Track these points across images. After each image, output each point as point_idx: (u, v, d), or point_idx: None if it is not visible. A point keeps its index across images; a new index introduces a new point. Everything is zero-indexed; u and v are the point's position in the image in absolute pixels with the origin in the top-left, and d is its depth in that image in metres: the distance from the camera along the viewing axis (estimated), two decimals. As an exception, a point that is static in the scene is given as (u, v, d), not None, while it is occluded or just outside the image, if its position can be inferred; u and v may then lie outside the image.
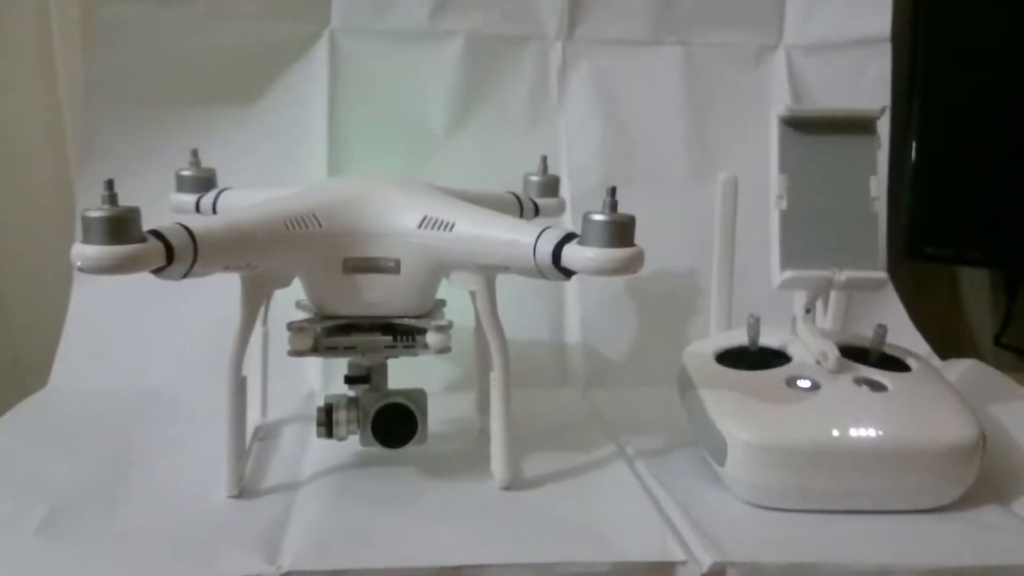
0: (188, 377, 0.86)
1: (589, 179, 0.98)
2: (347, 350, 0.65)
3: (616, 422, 0.81)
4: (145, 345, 0.90)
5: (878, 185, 0.70)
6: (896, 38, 1.01)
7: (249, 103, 0.96)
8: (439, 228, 0.61)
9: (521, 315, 0.90)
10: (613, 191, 0.57)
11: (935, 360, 0.93)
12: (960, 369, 0.90)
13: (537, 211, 0.80)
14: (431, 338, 0.64)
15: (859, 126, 0.71)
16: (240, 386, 0.63)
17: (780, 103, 0.72)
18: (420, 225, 0.62)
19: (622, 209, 0.56)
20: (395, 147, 0.96)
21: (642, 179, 0.98)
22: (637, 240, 0.56)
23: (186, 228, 0.56)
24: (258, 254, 0.60)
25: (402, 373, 0.70)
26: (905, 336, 0.94)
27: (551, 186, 0.82)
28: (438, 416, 0.75)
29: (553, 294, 0.96)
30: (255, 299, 0.63)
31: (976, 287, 1.11)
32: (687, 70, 1.01)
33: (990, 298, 1.11)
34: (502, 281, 0.65)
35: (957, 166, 0.97)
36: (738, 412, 0.65)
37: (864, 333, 0.73)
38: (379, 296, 0.64)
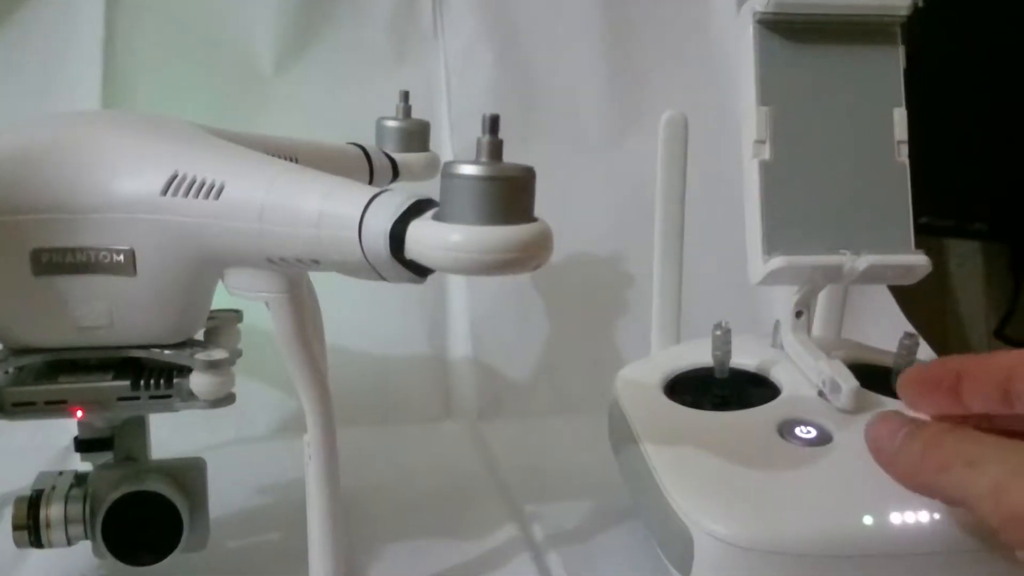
0: None
1: (478, 129, 0.71)
2: (52, 406, 0.38)
3: (518, 478, 0.57)
4: None
5: (904, 122, 0.46)
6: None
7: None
8: (198, 194, 0.36)
9: (384, 320, 0.67)
10: (494, 122, 0.33)
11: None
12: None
13: (396, 172, 0.55)
14: (199, 381, 0.39)
15: (875, 32, 0.47)
16: None
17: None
18: (166, 190, 0.36)
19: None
20: (203, 88, 0.69)
21: (549, 129, 0.74)
22: (542, 212, 0.33)
23: None
24: None
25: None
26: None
27: (417, 134, 0.57)
28: (255, 481, 0.54)
29: (430, 291, 0.70)
30: None
31: (968, 266, 0.89)
32: (605, -13, 0.78)
33: (984, 280, 0.89)
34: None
35: (961, 115, 0.74)
36: (709, 487, 0.41)
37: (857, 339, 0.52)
38: (102, 313, 0.38)
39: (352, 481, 0.53)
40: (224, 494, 0.46)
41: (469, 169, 0.32)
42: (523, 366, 0.70)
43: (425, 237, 0.32)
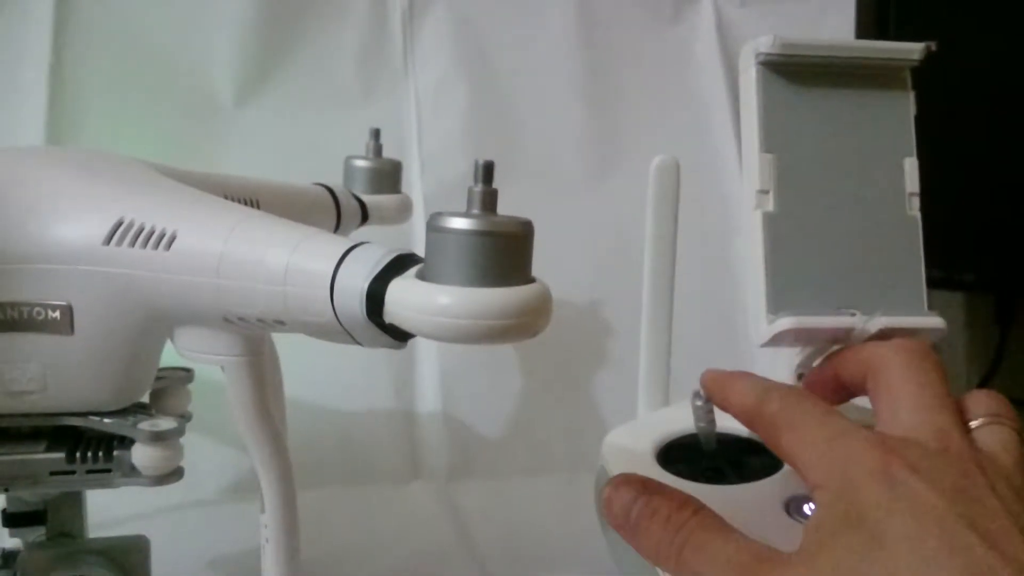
0: None
1: (450, 170, 0.69)
2: (-29, 481, 0.34)
3: (491, 547, 0.52)
4: None
5: (916, 172, 0.44)
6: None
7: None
8: (146, 244, 0.32)
9: (347, 372, 0.64)
10: (488, 169, 0.29)
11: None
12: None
13: (365, 215, 0.51)
14: (142, 455, 0.34)
15: (885, 77, 0.44)
16: None
17: (752, 49, 0.43)
18: (110, 239, 0.32)
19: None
20: (158, 119, 0.65)
21: (526, 169, 0.71)
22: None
23: None
24: None
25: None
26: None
27: (388, 175, 0.53)
28: (205, 552, 0.49)
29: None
30: None
31: (951, 317, 0.86)
32: (584, 24, 0.74)
33: (967, 332, 0.87)
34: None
35: (946, 160, 0.71)
36: None
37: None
38: (35, 376, 0.34)
39: (308, 551, 0.49)
40: (170, 569, 0.42)
41: (460, 222, 0.28)
42: (497, 423, 0.66)
43: (408, 299, 0.28)
